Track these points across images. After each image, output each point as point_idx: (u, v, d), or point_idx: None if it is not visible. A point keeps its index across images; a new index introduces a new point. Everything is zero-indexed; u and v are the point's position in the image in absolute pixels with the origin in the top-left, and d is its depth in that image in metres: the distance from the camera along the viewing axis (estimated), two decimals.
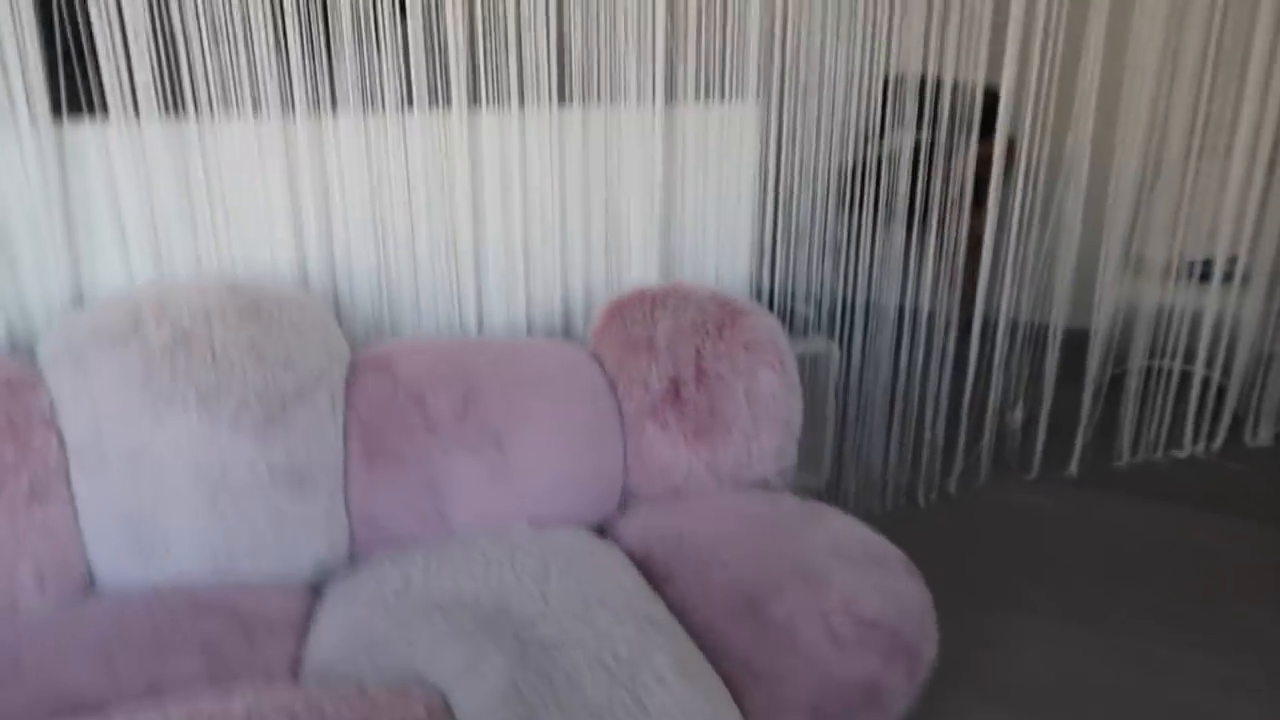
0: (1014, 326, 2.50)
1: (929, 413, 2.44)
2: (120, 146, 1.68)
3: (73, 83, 1.68)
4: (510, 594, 1.38)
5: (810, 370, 2.36)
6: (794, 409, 1.78)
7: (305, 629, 1.46)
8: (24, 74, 1.60)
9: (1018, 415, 2.65)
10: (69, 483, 1.51)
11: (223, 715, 1.16)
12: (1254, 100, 2.52)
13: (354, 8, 1.72)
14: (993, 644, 1.98)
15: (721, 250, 2.05)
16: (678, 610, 1.42)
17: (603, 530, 1.71)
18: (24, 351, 1.67)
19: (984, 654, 1.95)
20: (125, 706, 1.23)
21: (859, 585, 1.38)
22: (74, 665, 1.33)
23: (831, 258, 2.20)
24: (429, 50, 1.77)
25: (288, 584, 1.57)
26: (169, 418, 1.51)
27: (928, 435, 2.48)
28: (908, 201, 2.22)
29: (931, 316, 2.32)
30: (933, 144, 2.26)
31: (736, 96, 2.00)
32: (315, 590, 1.58)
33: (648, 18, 1.86)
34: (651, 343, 1.75)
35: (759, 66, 1.99)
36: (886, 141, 2.26)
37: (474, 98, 1.82)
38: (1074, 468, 2.74)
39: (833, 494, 2.44)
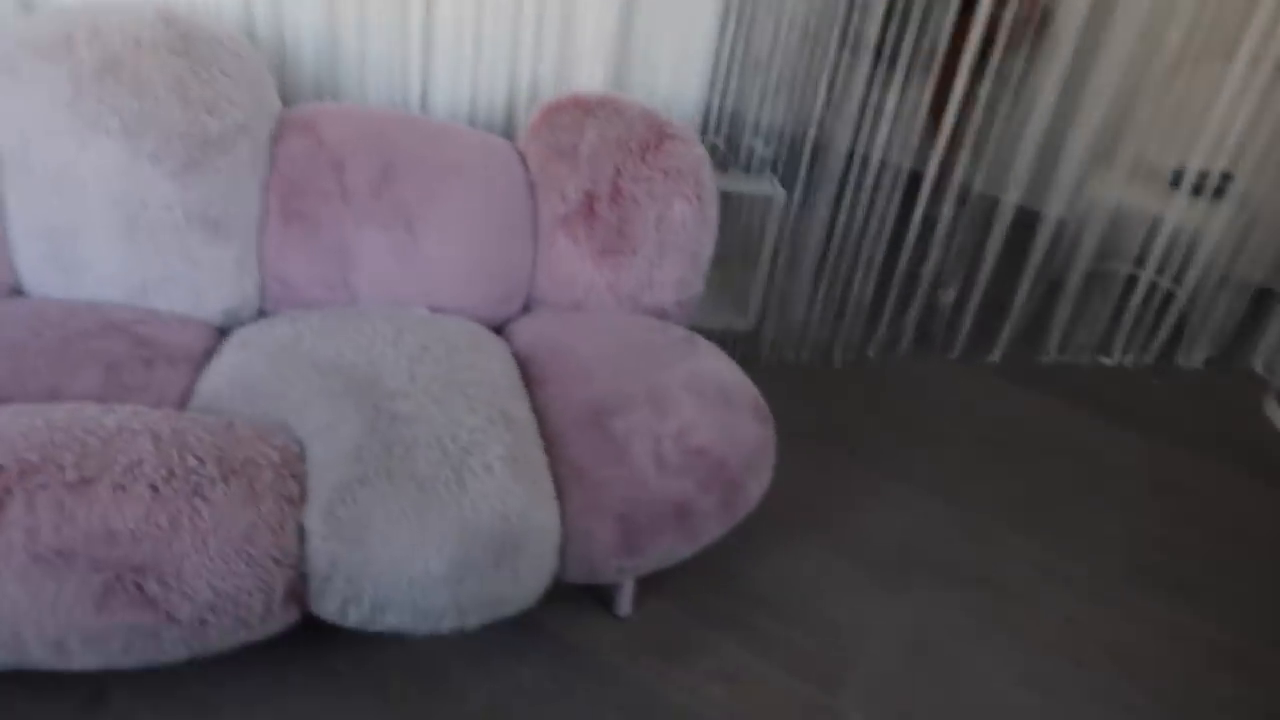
0: (964, 195, 2.48)
1: (859, 273, 2.48)
2: None
3: None
4: (384, 367, 1.49)
5: (750, 210, 2.38)
6: (704, 243, 1.82)
7: (202, 366, 1.58)
8: None
9: (950, 293, 2.67)
10: None
11: (99, 418, 1.29)
12: (1269, 4, 2.37)
13: None
14: (853, 503, 2.12)
15: (676, 68, 2.02)
16: (540, 412, 1.54)
17: (499, 328, 1.80)
18: None
19: (840, 510, 2.08)
20: (19, 402, 1.37)
21: (699, 417, 1.49)
22: None
23: (787, 93, 2.16)
24: None
25: (195, 322, 1.68)
26: (92, 142, 1.56)
27: (854, 296, 2.52)
28: (878, 40, 2.14)
29: (880, 171, 2.30)
30: None
31: None
32: (221, 333, 1.69)
33: None
34: (575, 152, 1.77)
35: None
36: None
37: None
38: (996, 355, 2.79)
39: (754, 339, 2.52)
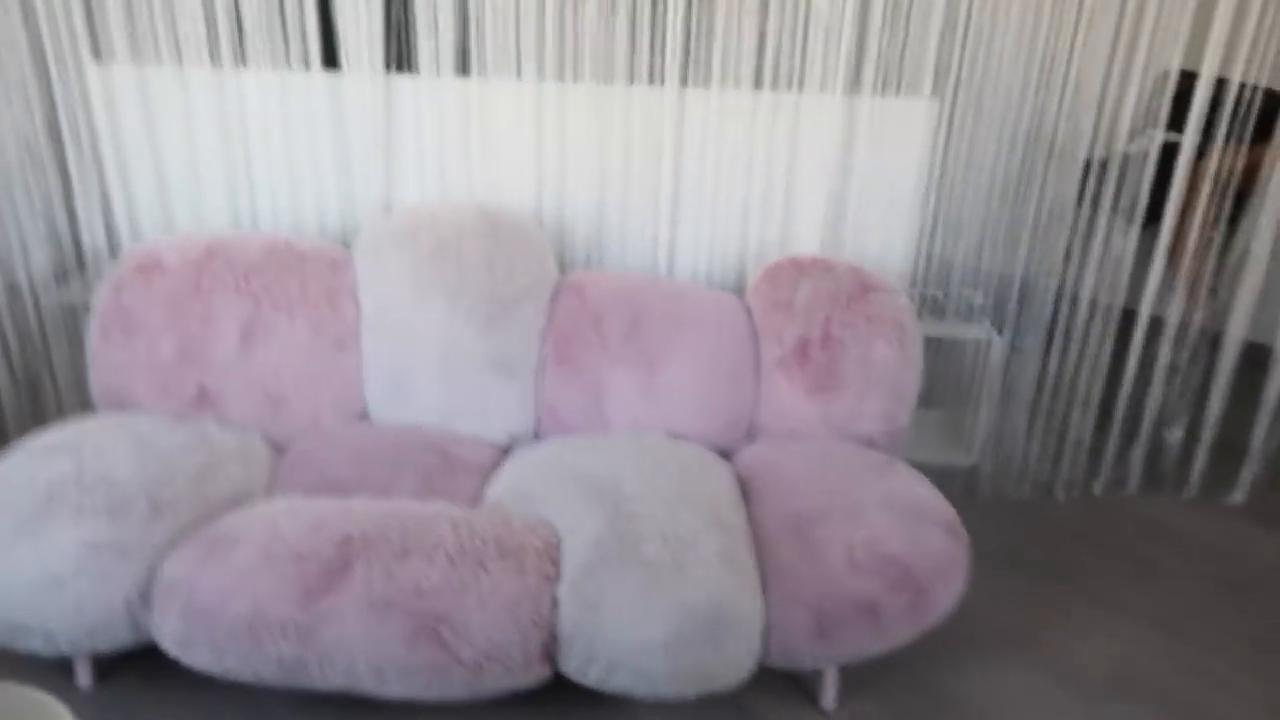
0: (1182, 332, 2.49)
1: (1075, 411, 2.53)
2: (424, 96, 2.26)
3: (398, 47, 2.28)
4: (625, 478, 1.83)
5: (965, 354, 2.55)
6: (907, 381, 2.04)
7: (489, 475, 2.01)
8: (369, 39, 2.20)
9: (1177, 431, 2.63)
10: (359, 341, 2.15)
11: (416, 509, 1.73)
12: None
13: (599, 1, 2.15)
14: (1063, 629, 2.13)
15: (884, 229, 2.30)
16: (753, 521, 1.81)
17: (727, 453, 2.11)
18: (345, 241, 2.34)
19: (1049, 635, 2.11)
20: (364, 495, 1.85)
21: (889, 529, 1.68)
22: (342, 465, 1.96)
23: (992, 246, 2.36)
24: (652, 35, 2.17)
25: (488, 443, 2.13)
26: (426, 305, 2.10)
27: (1072, 433, 2.57)
28: (1086, 192, 2.31)
29: (1091, 311, 2.40)
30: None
31: (912, 92, 2.22)
32: (505, 452, 2.13)
33: (837, 14, 2.13)
34: (791, 304, 2.08)
35: (936, 65, 2.18)
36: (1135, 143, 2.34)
37: (683, 78, 2.21)
38: (1239, 496, 2.68)
39: (974, 474, 2.62)
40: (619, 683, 1.57)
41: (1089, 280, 2.40)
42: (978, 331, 2.40)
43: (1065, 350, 2.49)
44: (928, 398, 2.66)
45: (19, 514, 1.64)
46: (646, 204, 2.33)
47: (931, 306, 2.46)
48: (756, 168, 2.27)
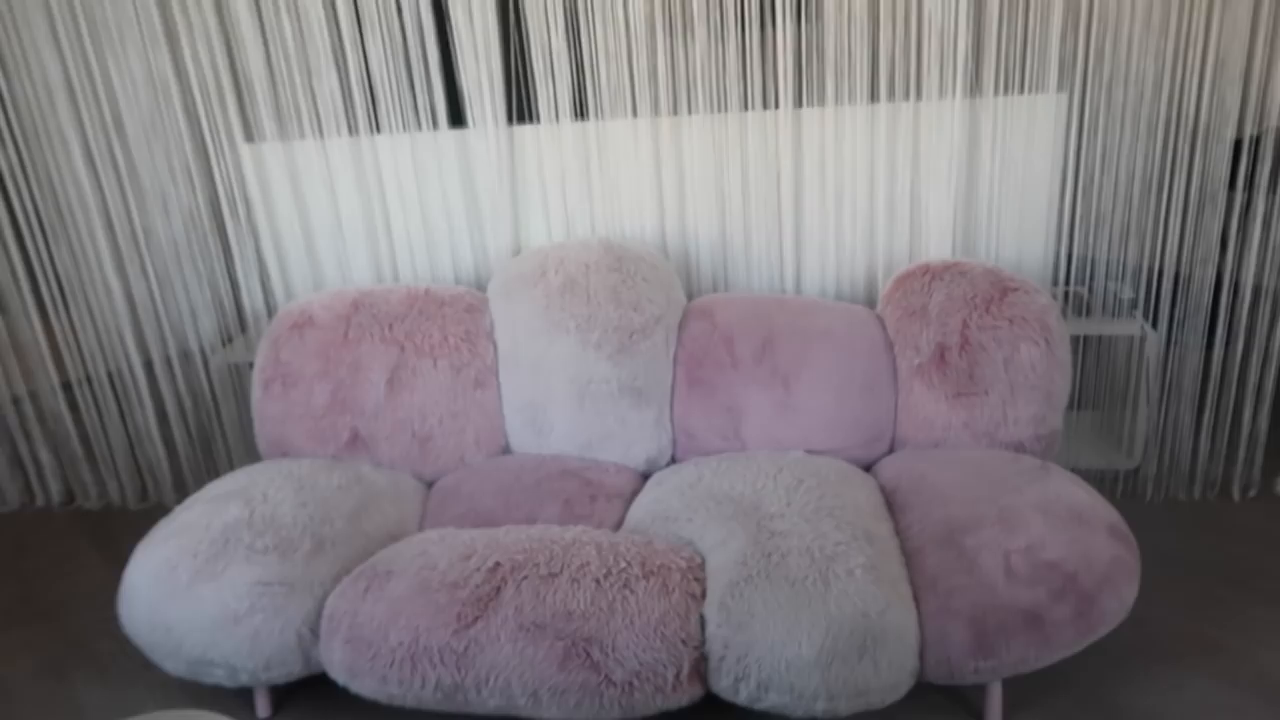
0: None
1: (1247, 404, 2.34)
2: (545, 143, 2.34)
3: (518, 99, 2.38)
4: (765, 496, 1.82)
5: (1120, 351, 2.41)
6: (1056, 381, 1.94)
7: (630, 500, 2.03)
8: (491, 94, 2.31)
9: None
10: (497, 378, 2.23)
11: (560, 534, 1.76)
12: None
13: (708, 34, 2.19)
14: (1246, 637, 1.96)
15: (1020, 229, 2.21)
16: (901, 533, 1.76)
17: (870, 467, 2.05)
18: (480, 285, 2.44)
19: (1231, 643, 1.94)
20: (510, 524, 1.90)
21: (1048, 534, 1.59)
22: (488, 497, 2.03)
23: (1138, 236, 2.23)
24: (763, 59, 2.19)
25: (627, 468, 2.15)
26: (557, 340, 2.15)
27: (1244, 427, 2.38)
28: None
29: (1255, 298, 2.22)
30: None
31: (1037, 89, 2.14)
32: (644, 476, 2.15)
33: (950, 19, 2.09)
34: (925, 311, 2.02)
35: (1060, 60, 2.10)
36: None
37: (798, 99, 2.21)
38: None
39: (1138, 477, 2.47)
40: (771, 701, 1.54)
41: (1251, 265, 2.24)
42: (1129, 327, 2.27)
43: (1230, 341, 2.31)
44: (1081, 399, 2.53)
45: (199, 557, 1.77)
46: (769, 225, 2.33)
47: (1077, 304, 2.35)
48: (879, 179, 2.24)
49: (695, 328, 2.17)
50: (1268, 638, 1.97)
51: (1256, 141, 2.22)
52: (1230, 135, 2.20)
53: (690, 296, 2.31)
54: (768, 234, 2.33)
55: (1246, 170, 2.22)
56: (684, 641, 1.56)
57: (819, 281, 2.35)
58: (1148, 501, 2.46)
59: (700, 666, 1.57)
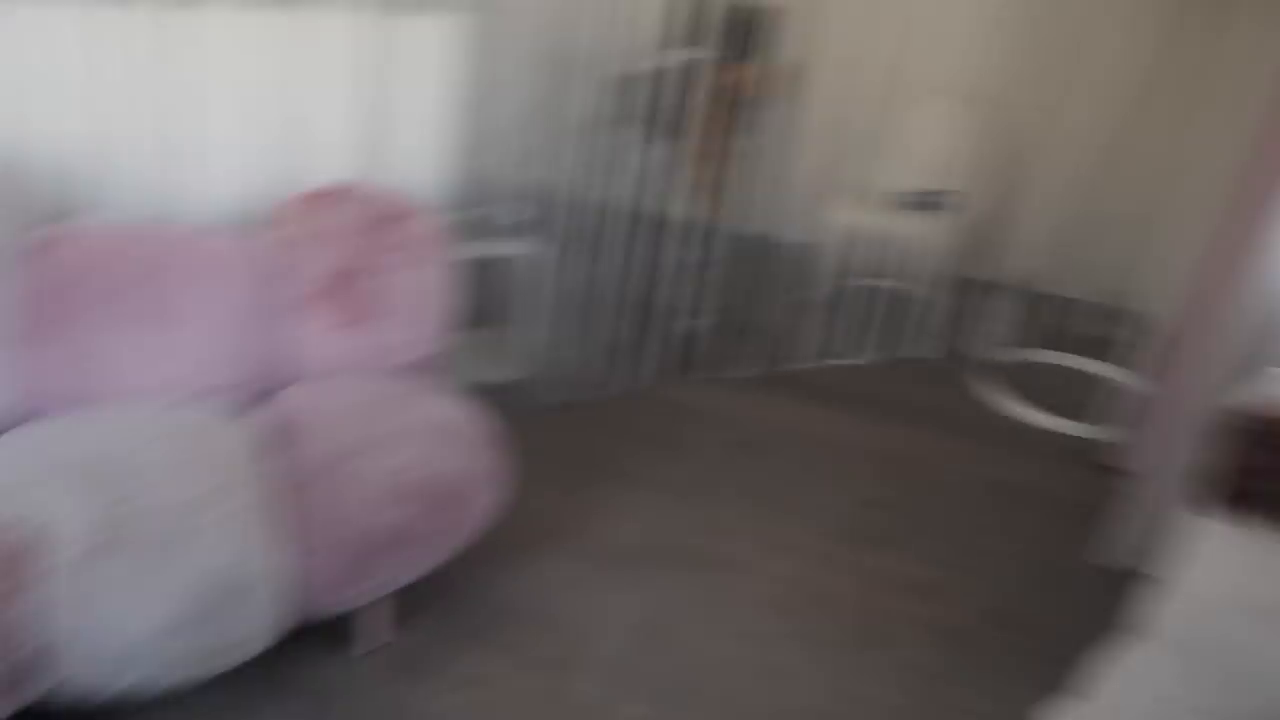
0: (711, 231, 2.72)
1: (621, 314, 2.68)
2: None
3: None
4: (126, 453, 1.59)
5: (514, 271, 2.57)
6: (447, 305, 1.99)
7: None
8: None
9: (703, 321, 2.91)
10: None
11: None
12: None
13: None
14: (599, 515, 2.30)
15: (418, 152, 2.21)
16: (288, 469, 1.67)
17: (262, 401, 1.93)
18: None
19: (585, 521, 2.27)
20: None
21: (418, 454, 1.65)
22: None
23: (534, 162, 2.38)
24: None
25: None
26: None
27: (619, 335, 2.72)
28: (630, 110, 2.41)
29: (633, 221, 2.53)
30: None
31: (437, 8, 2.12)
32: None
33: None
34: (317, 236, 1.93)
35: None
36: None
37: None
38: (753, 371, 3.06)
39: (526, 386, 2.70)
40: (119, 686, 1.39)
41: (625, 191, 2.50)
42: (520, 247, 2.41)
43: (607, 259, 2.59)
44: (480, 318, 2.64)
45: None
46: (148, 140, 2.02)
47: (477, 227, 2.43)
48: (271, 96, 2.05)
49: (49, 259, 1.82)
50: (611, 512, 2.31)
51: (629, 81, 2.46)
52: (610, 74, 2.40)
53: (47, 221, 1.93)
54: (146, 150, 2.03)
55: (621, 106, 2.45)
56: None
57: (203, 205, 2.11)
58: (530, 409, 2.68)
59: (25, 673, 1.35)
